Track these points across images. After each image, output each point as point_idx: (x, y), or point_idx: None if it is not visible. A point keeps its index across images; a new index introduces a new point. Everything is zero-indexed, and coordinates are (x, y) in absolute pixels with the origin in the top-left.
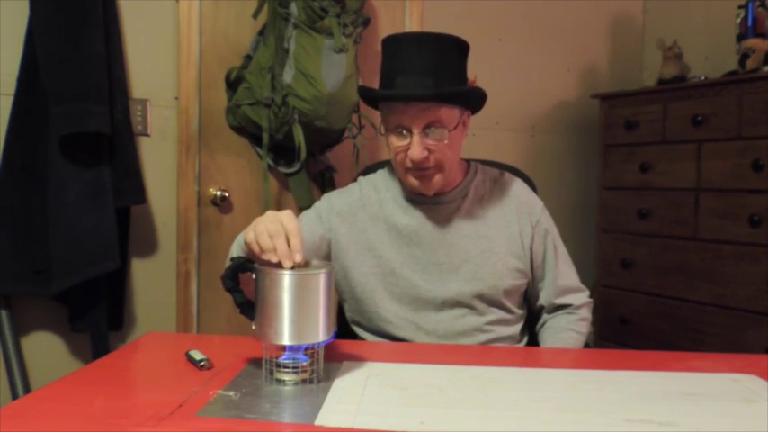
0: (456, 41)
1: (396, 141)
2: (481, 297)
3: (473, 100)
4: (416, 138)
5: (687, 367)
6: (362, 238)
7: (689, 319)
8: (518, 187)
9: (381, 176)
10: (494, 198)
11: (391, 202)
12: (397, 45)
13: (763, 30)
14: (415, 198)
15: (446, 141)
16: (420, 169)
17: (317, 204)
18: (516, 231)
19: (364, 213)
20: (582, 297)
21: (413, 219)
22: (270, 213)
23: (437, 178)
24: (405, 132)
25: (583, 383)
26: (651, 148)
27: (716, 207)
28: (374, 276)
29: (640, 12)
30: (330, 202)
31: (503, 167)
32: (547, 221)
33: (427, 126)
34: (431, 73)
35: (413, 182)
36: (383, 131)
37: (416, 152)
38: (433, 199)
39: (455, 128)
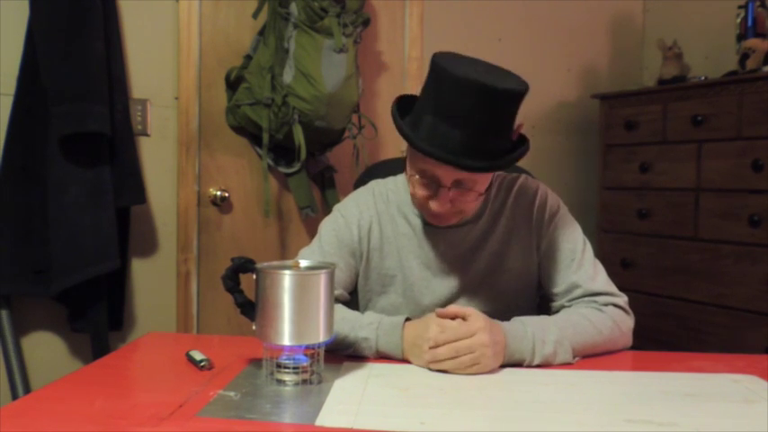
0: (517, 94)
1: (419, 185)
2: (494, 316)
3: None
4: (443, 191)
5: (687, 367)
6: (377, 255)
7: (689, 319)
8: (535, 194)
9: (394, 190)
10: (510, 212)
11: (403, 221)
12: (450, 83)
13: (763, 30)
14: (426, 219)
15: (472, 196)
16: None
17: (334, 226)
18: (532, 244)
19: (378, 230)
20: (610, 299)
21: (425, 241)
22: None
23: (454, 220)
24: (431, 180)
25: (583, 383)
26: (651, 148)
27: (716, 207)
28: (387, 296)
29: (640, 12)
30: (348, 221)
31: (516, 170)
32: (565, 227)
33: (456, 183)
34: (478, 133)
35: (429, 218)
36: (407, 164)
37: (439, 207)
38: None
39: (486, 189)
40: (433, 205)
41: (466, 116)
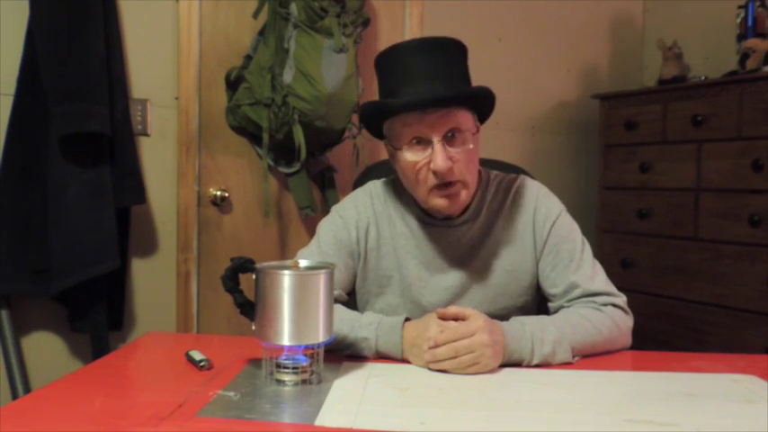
0: (458, 44)
1: (413, 157)
2: (493, 317)
3: (486, 104)
4: (438, 146)
5: (687, 368)
6: (375, 256)
7: (689, 319)
8: (534, 194)
9: (392, 190)
10: (508, 212)
11: (400, 221)
12: (397, 56)
13: (763, 30)
14: (425, 219)
15: (468, 147)
16: (445, 185)
17: (333, 227)
18: (530, 245)
19: (376, 231)
20: (609, 299)
21: (422, 240)
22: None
23: (463, 195)
24: (423, 144)
25: (583, 384)
26: (651, 148)
27: (716, 207)
28: (385, 296)
29: (640, 12)
30: (346, 222)
31: (515, 170)
32: (564, 228)
33: (447, 133)
34: (441, 77)
35: (438, 201)
36: (393, 149)
37: (440, 161)
38: (444, 221)
39: (475, 134)
40: (435, 163)
41: (420, 70)
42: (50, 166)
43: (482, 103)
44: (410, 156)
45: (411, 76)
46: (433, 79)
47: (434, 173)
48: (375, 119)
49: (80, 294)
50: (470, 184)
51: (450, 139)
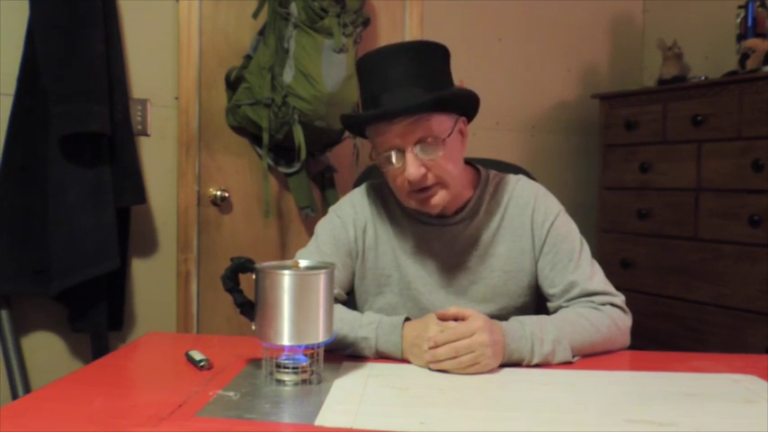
0: (435, 46)
1: (390, 164)
2: (492, 317)
3: (464, 103)
4: (410, 156)
5: (687, 367)
6: (373, 255)
7: (689, 319)
8: (533, 194)
9: (388, 190)
10: (507, 211)
11: (397, 220)
12: (373, 62)
13: (763, 30)
14: (421, 218)
15: (441, 153)
16: (421, 190)
17: (330, 227)
18: (529, 245)
19: (373, 230)
20: (607, 298)
21: (420, 240)
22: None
23: (441, 195)
24: (398, 152)
25: (583, 384)
26: (651, 148)
27: (716, 207)
28: (384, 295)
29: (640, 12)
30: (344, 221)
31: (515, 170)
32: (562, 228)
33: (419, 141)
34: (415, 83)
35: (415, 204)
36: (374, 157)
37: (412, 171)
38: (441, 219)
39: (449, 136)
40: (408, 173)
41: (392, 76)
42: (50, 167)
43: (458, 104)
44: (387, 163)
45: (386, 83)
46: (407, 86)
47: (408, 181)
48: (355, 128)
49: (80, 294)
50: (450, 183)
51: (423, 145)
